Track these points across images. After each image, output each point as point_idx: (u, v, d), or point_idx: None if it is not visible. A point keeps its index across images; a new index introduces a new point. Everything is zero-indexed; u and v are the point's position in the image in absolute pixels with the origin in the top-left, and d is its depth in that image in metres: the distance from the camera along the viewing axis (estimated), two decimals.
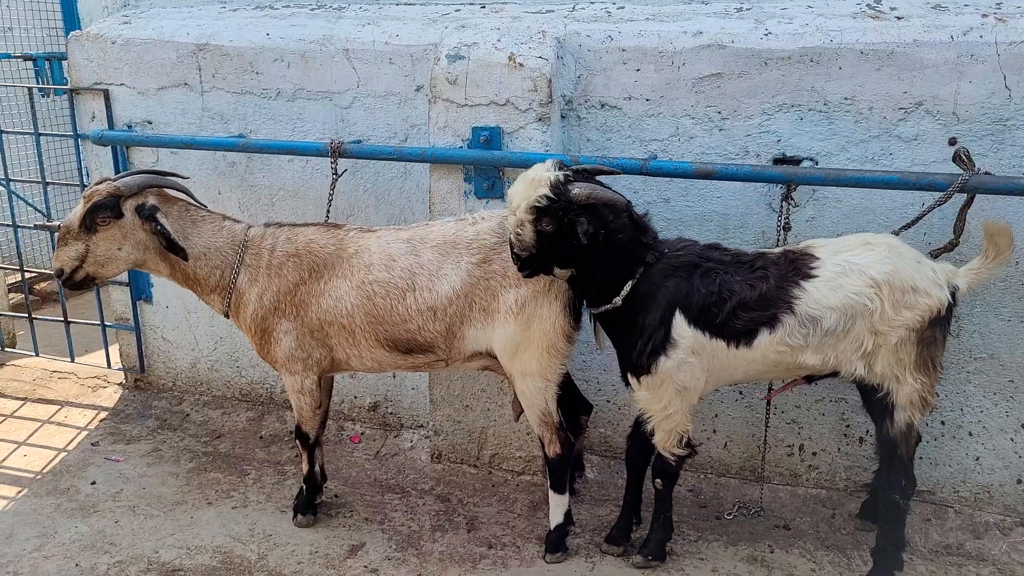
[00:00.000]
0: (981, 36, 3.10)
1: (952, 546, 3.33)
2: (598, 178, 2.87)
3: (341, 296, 3.14)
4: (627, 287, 2.87)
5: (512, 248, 2.85)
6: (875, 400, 2.87)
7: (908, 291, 2.71)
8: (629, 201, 2.84)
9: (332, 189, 3.65)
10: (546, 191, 2.70)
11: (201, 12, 4.23)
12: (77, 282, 3.22)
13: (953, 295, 2.78)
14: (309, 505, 3.52)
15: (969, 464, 3.47)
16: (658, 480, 3.13)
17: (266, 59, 3.96)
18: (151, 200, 3.15)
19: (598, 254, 2.81)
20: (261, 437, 4.26)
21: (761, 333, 2.78)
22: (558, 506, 3.25)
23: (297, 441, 3.48)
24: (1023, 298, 3.26)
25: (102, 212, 3.09)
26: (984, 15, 3.16)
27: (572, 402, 3.46)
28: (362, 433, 4.25)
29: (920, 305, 2.72)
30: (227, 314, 3.34)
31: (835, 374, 2.92)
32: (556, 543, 3.27)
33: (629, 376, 3.00)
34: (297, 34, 3.92)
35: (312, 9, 4.10)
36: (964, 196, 2.96)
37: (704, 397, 3.48)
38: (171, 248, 3.13)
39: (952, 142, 3.18)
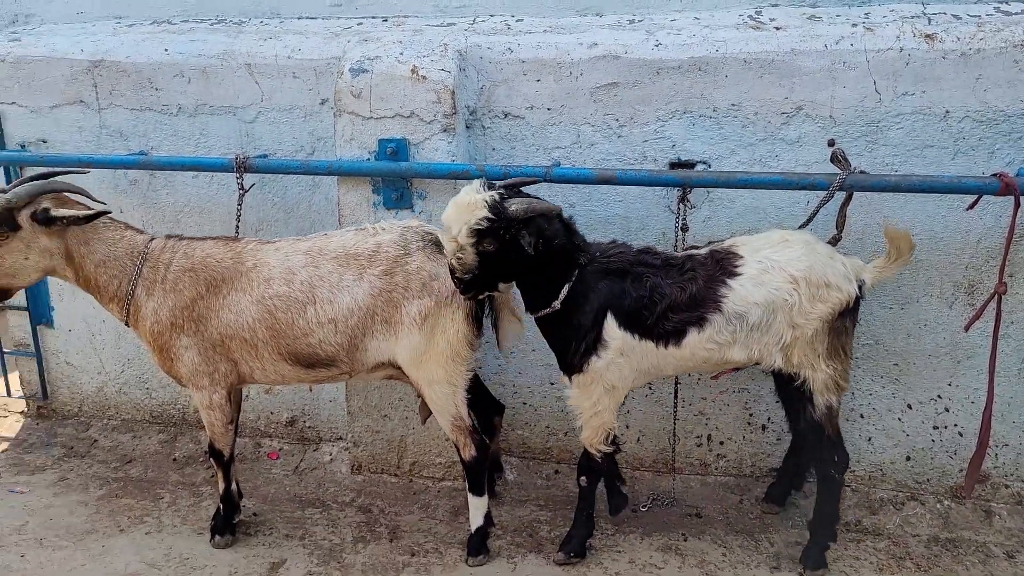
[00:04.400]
0: (852, 44, 3.33)
1: (851, 523, 3.53)
2: (522, 188, 2.96)
3: (242, 310, 3.13)
4: (564, 290, 2.96)
5: (454, 273, 2.87)
6: (793, 388, 3.02)
7: (822, 286, 2.87)
8: (560, 207, 2.93)
9: (240, 204, 3.62)
10: (485, 212, 2.73)
11: (95, 28, 4.14)
12: None
13: (860, 288, 2.95)
14: (227, 525, 3.46)
15: (862, 445, 3.69)
16: (583, 477, 3.21)
17: (165, 75, 3.90)
18: (44, 204, 3.08)
19: (538, 263, 2.88)
20: (175, 459, 4.17)
21: (690, 333, 2.91)
22: (478, 508, 3.30)
23: (212, 460, 3.43)
24: (902, 287, 3.49)
25: None
26: (854, 25, 3.40)
27: (484, 404, 3.54)
28: (280, 449, 4.21)
29: (832, 299, 2.89)
30: (127, 323, 3.30)
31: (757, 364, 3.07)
32: (478, 546, 3.31)
33: (563, 375, 3.10)
34: (197, 49, 3.88)
35: (211, 24, 4.06)
36: (843, 193, 3.17)
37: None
38: (90, 219, 3.08)
39: (830, 143, 3.37)
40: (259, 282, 3.12)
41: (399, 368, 3.19)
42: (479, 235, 2.76)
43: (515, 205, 2.78)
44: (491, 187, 2.82)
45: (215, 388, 3.24)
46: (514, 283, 3.04)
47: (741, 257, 2.93)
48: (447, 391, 3.16)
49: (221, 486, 3.43)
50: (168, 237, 3.29)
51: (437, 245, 3.11)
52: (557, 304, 2.98)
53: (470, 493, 3.30)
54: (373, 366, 3.20)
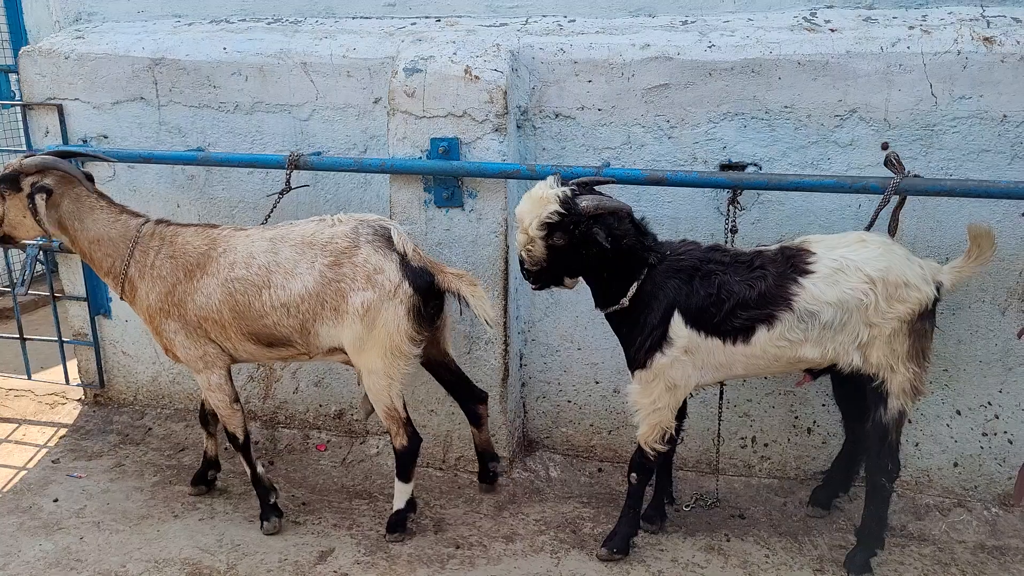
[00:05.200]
0: (908, 47, 3.31)
1: (895, 528, 3.51)
2: (596, 188, 3.03)
3: (210, 293, 3.31)
4: (633, 288, 3.02)
5: (523, 264, 3.00)
6: (869, 390, 3.00)
7: (901, 286, 2.87)
8: (630, 207, 2.99)
9: (278, 199, 3.73)
10: (556, 207, 2.84)
11: (156, 27, 4.25)
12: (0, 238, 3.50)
13: (938, 290, 2.95)
14: (270, 508, 3.55)
15: (910, 450, 3.66)
16: (633, 474, 3.25)
17: (223, 73, 4.00)
18: (46, 181, 3.34)
19: (605, 260, 2.95)
20: (225, 448, 4.24)
21: (759, 330, 2.92)
22: (401, 493, 3.45)
23: (230, 444, 3.57)
24: (954, 294, 3.45)
25: (3, 185, 3.34)
26: (911, 27, 3.37)
27: (466, 393, 3.64)
28: (328, 441, 4.30)
29: (911, 299, 2.88)
30: (122, 297, 3.48)
31: (833, 367, 3.06)
32: (395, 524, 3.47)
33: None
34: (254, 48, 3.97)
35: (268, 23, 4.14)
36: (896, 197, 3.15)
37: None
38: (39, 224, 3.32)
39: (884, 147, 3.37)
40: (225, 266, 3.30)
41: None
42: (549, 228, 2.86)
43: (585, 201, 2.87)
44: (565, 184, 2.91)
45: (210, 370, 3.41)
46: (580, 278, 3.11)
47: (814, 254, 2.92)
48: (383, 383, 3.27)
49: (248, 470, 3.55)
50: (158, 222, 3.47)
51: (387, 240, 3.23)
52: (625, 301, 3.04)
53: (397, 478, 3.44)
54: (327, 349, 3.34)
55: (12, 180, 3.33)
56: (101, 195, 3.47)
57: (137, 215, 3.47)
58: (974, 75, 3.26)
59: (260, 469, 3.56)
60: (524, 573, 3.25)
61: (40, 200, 3.29)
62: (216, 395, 3.45)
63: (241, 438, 3.51)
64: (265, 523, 3.54)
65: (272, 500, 3.57)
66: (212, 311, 3.31)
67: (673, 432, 3.16)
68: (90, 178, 3.54)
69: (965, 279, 3.04)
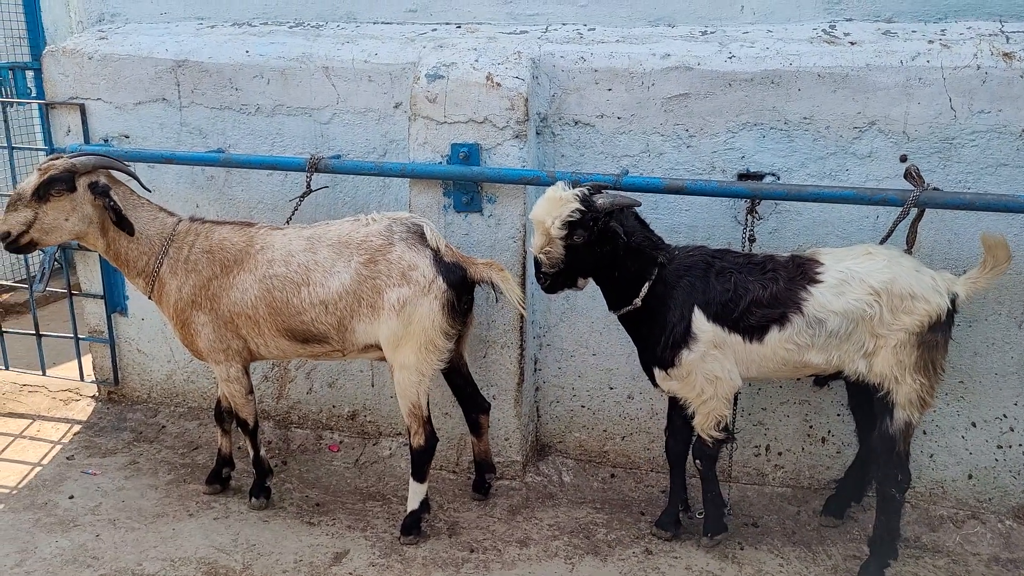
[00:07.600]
0: (928, 61, 3.33)
1: (909, 539, 3.52)
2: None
3: (246, 289, 3.37)
4: (645, 288, 3.08)
5: (540, 267, 3.05)
6: (875, 399, 3.04)
7: (906, 298, 2.91)
8: (640, 201, 3.09)
9: (299, 202, 3.77)
10: (577, 205, 2.92)
11: (179, 29, 4.28)
12: (20, 246, 3.38)
13: (953, 302, 2.97)
14: (261, 488, 3.75)
15: (924, 461, 3.67)
16: (698, 461, 3.32)
17: (245, 75, 4.03)
18: (103, 179, 3.37)
19: (617, 257, 3.03)
20: (239, 447, 4.27)
21: (772, 330, 2.99)
22: (416, 494, 3.49)
23: (239, 429, 3.71)
24: (970, 305, 3.46)
25: (57, 184, 3.29)
26: (930, 41, 3.39)
27: (471, 401, 3.68)
28: (341, 442, 4.31)
29: (919, 311, 2.91)
30: (150, 297, 3.55)
31: (839, 374, 3.11)
32: (410, 526, 3.50)
33: (655, 370, 3.20)
34: (276, 51, 4.00)
35: (290, 27, 4.17)
36: (915, 210, 3.16)
37: None
38: (120, 223, 3.34)
39: (903, 159, 3.39)
40: (263, 263, 3.36)
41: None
42: (571, 227, 2.93)
43: (601, 199, 2.97)
44: (575, 186, 3.00)
45: (231, 363, 3.49)
46: (591, 279, 3.17)
47: (822, 264, 3.00)
48: (414, 379, 3.31)
49: (251, 452, 3.72)
50: (192, 220, 3.53)
51: (420, 237, 3.30)
52: (638, 301, 3.10)
53: (412, 478, 3.48)
54: (363, 346, 3.39)
55: (68, 180, 3.29)
56: (144, 190, 3.54)
57: (172, 214, 3.53)
58: (993, 89, 3.28)
59: (262, 452, 3.76)
60: None
61: (116, 197, 3.31)
62: (234, 386, 3.55)
63: (251, 424, 3.68)
64: (254, 499, 3.75)
65: (267, 483, 3.77)
66: (247, 307, 3.37)
67: (728, 422, 3.21)
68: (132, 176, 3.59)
69: (981, 290, 3.06)
